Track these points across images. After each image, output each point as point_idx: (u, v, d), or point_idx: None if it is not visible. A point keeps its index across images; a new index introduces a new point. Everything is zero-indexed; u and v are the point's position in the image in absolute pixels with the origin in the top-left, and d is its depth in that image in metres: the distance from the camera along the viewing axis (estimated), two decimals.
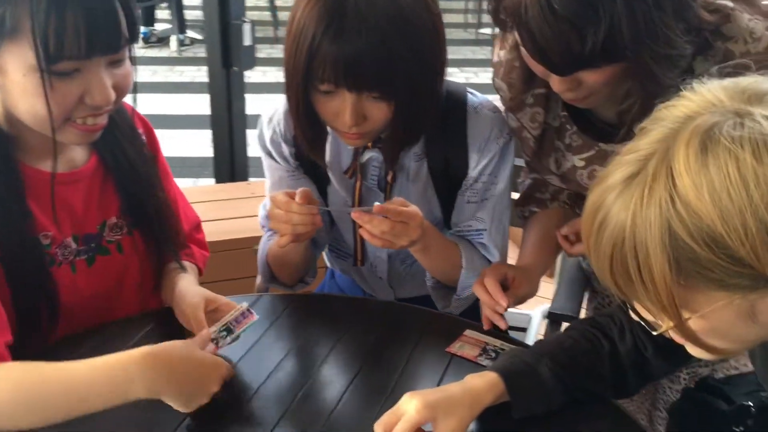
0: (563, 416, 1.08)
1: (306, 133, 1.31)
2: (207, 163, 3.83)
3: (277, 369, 1.21)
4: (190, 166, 4.30)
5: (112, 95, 1.12)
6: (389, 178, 1.37)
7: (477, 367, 1.20)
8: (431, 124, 1.30)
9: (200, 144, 4.51)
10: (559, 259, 1.93)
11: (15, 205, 1.16)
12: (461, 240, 1.41)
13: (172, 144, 4.25)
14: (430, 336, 1.29)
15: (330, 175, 1.41)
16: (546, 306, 1.97)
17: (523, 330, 1.85)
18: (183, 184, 1.91)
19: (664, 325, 0.76)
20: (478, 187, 1.39)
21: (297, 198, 1.24)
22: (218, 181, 3.28)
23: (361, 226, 1.22)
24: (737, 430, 1.15)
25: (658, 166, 0.72)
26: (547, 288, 3.01)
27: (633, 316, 0.80)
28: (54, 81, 1.06)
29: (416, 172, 1.39)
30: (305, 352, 1.27)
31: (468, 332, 1.29)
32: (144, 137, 1.37)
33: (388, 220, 1.21)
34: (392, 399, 1.11)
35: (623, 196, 0.74)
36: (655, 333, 0.78)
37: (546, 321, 1.92)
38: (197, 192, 3.14)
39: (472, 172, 1.38)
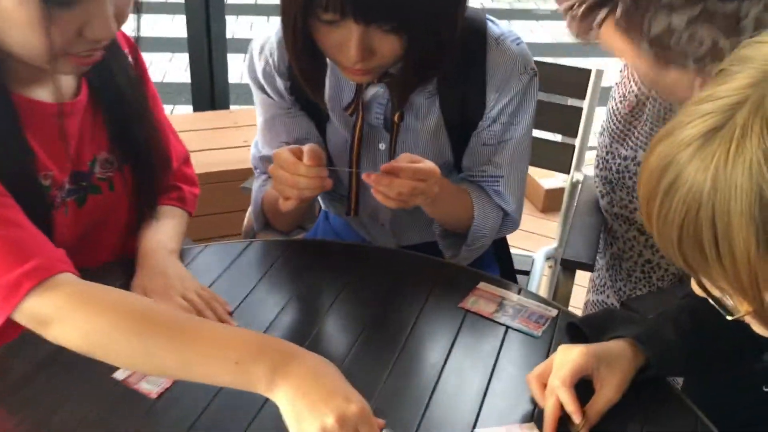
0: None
1: (302, 66, 1.17)
2: (184, 90, 3.64)
3: (275, 323, 1.10)
4: (167, 93, 4.10)
5: (114, 28, 0.98)
6: (396, 117, 1.24)
7: (493, 325, 1.11)
8: (449, 61, 1.17)
9: (177, 68, 4.30)
10: (565, 197, 1.83)
11: (13, 141, 1.02)
12: (473, 186, 1.30)
13: None
14: (440, 288, 1.19)
15: (330, 112, 1.28)
16: (549, 247, 1.88)
17: (526, 273, 1.76)
18: None
19: (742, 309, 0.66)
20: (496, 129, 1.27)
21: (305, 159, 1.11)
22: (197, 110, 3.11)
23: (374, 188, 1.11)
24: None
25: (749, 117, 0.60)
26: (548, 225, 2.93)
27: (700, 293, 0.70)
28: (53, 10, 0.91)
29: (427, 111, 1.26)
30: (304, 304, 1.17)
31: (482, 285, 1.19)
32: (129, 57, 1.22)
33: (407, 181, 1.09)
34: (404, 358, 1.02)
35: (701, 154, 0.62)
36: (729, 318, 0.68)
37: (550, 265, 1.84)
38: (175, 121, 2.94)
39: (491, 111, 1.25)
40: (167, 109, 3.92)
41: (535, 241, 2.65)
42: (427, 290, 1.18)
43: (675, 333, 1.01)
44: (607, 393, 0.95)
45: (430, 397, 0.98)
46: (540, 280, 1.72)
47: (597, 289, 1.65)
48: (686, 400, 1.01)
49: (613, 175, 1.50)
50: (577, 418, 0.92)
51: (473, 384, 1.01)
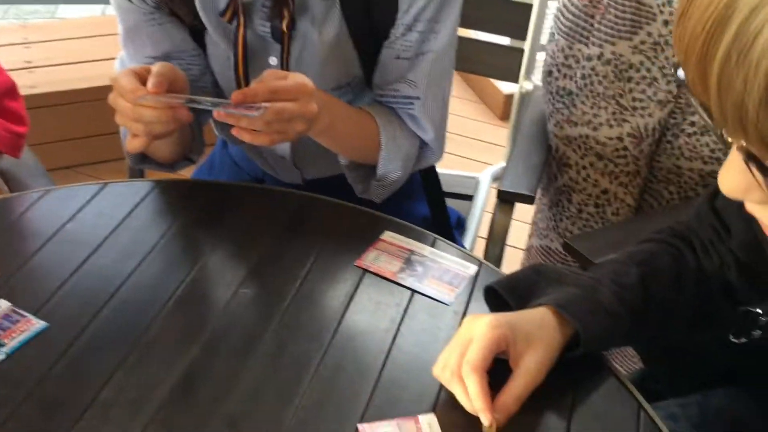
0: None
1: None
2: None
3: (135, 273, 0.90)
4: None
5: None
6: (285, 24, 0.99)
7: (396, 288, 0.90)
8: None
9: None
10: (513, 110, 1.60)
11: None
12: (383, 110, 1.06)
13: None
14: (337, 240, 0.97)
15: (203, 20, 1.02)
16: (497, 167, 1.66)
17: (469, 198, 1.54)
18: None
19: None
20: (412, 39, 1.02)
21: (149, 84, 0.87)
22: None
23: (235, 127, 0.87)
24: (737, 341, 0.90)
25: None
26: (500, 135, 2.67)
27: (762, 216, 0.50)
28: None
29: (325, 16, 1.01)
30: (173, 251, 0.96)
31: (386, 235, 0.97)
32: None
33: (271, 108, 0.85)
34: (281, 335, 0.82)
35: None
36: None
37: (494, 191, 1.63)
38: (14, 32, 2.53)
39: (404, 17, 1.00)
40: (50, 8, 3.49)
41: (491, 153, 2.43)
42: (320, 243, 0.96)
43: (614, 295, 0.80)
44: (526, 375, 0.75)
45: (311, 380, 0.78)
46: (482, 209, 1.51)
47: (540, 233, 1.45)
48: (626, 382, 0.81)
49: (576, 82, 1.27)
50: (486, 418, 0.72)
51: (364, 369, 0.81)
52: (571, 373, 0.80)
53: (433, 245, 0.96)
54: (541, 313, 0.78)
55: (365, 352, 0.82)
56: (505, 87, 2.70)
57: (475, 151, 2.46)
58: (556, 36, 1.32)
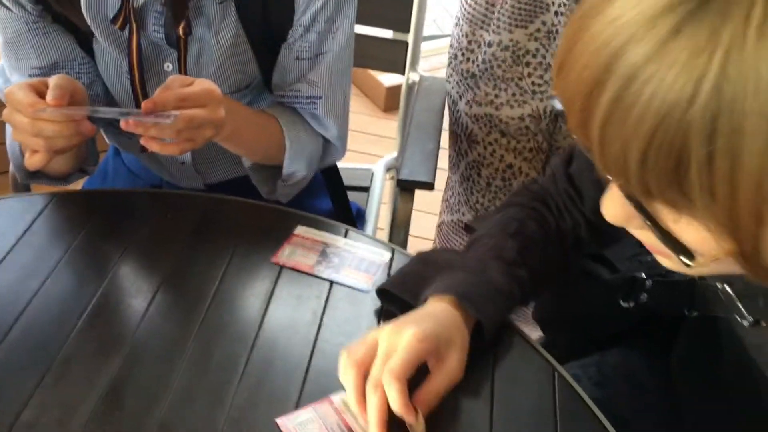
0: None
1: None
2: None
3: (43, 288, 0.87)
4: None
5: None
6: (181, 29, 0.98)
7: (314, 281, 0.91)
8: None
9: None
10: (402, 100, 1.64)
11: None
12: (286, 111, 1.07)
13: None
14: (249, 239, 0.97)
15: (93, 28, 1.00)
16: (389, 157, 1.69)
17: (365, 190, 1.57)
18: None
19: (718, 252, 0.47)
20: (311, 40, 1.03)
21: (49, 97, 0.84)
22: None
23: (144, 137, 0.85)
24: (626, 305, 0.95)
25: None
26: (392, 126, 2.74)
27: (643, 236, 0.52)
28: None
29: (220, 19, 1.00)
30: (80, 264, 0.93)
31: (300, 230, 0.98)
32: None
33: (181, 116, 0.84)
34: (205, 332, 0.82)
35: (692, 29, 0.41)
36: (689, 265, 0.50)
37: (391, 176, 1.66)
38: None
39: (302, 18, 1.01)
40: None
41: (379, 145, 2.47)
42: (233, 243, 0.96)
43: (502, 275, 0.83)
44: (449, 374, 0.77)
45: (240, 380, 0.78)
46: (380, 199, 1.54)
47: (451, 209, 1.50)
48: (539, 347, 0.86)
49: (478, 66, 1.33)
50: (410, 417, 0.72)
51: (292, 363, 0.82)
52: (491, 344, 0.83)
53: (346, 236, 0.98)
54: (452, 314, 0.79)
55: (291, 347, 0.83)
56: (387, 79, 2.75)
57: (364, 143, 2.49)
58: (460, 22, 1.37)
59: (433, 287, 0.81)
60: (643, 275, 0.92)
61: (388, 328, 0.76)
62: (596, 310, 1.01)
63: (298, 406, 0.77)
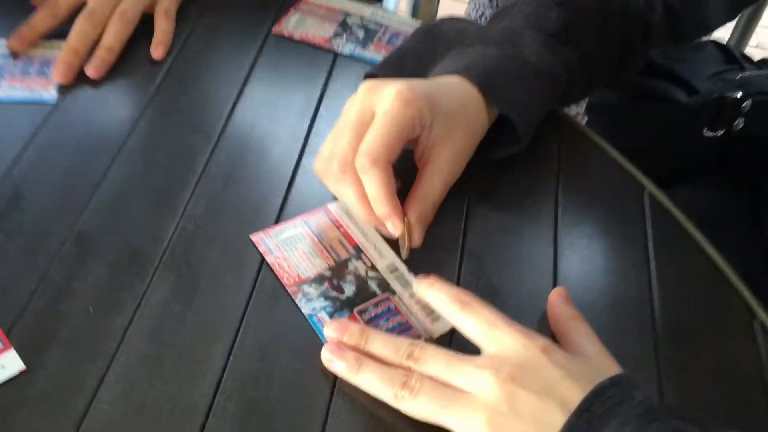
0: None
1: None
2: None
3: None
4: None
5: None
6: None
7: (326, 55, 0.66)
8: None
9: None
10: None
11: None
12: None
13: None
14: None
15: None
16: None
17: None
18: None
19: None
20: None
21: None
22: None
23: None
24: (711, 134, 0.77)
25: None
26: None
27: None
28: None
29: None
30: None
31: None
32: None
33: None
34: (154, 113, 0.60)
35: None
36: None
37: None
38: None
39: None
40: None
41: None
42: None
43: (543, 47, 0.57)
44: (442, 172, 0.52)
45: (198, 181, 0.56)
46: None
47: None
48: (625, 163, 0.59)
49: None
50: (396, 226, 0.49)
51: (272, 157, 0.58)
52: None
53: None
54: (461, 85, 0.54)
55: (274, 141, 0.59)
56: None
57: None
58: None
59: (439, 67, 0.56)
60: (738, 96, 0.74)
61: (363, 87, 0.51)
62: (665, 139, 0.82)
63: (279, 219, 0.54)
